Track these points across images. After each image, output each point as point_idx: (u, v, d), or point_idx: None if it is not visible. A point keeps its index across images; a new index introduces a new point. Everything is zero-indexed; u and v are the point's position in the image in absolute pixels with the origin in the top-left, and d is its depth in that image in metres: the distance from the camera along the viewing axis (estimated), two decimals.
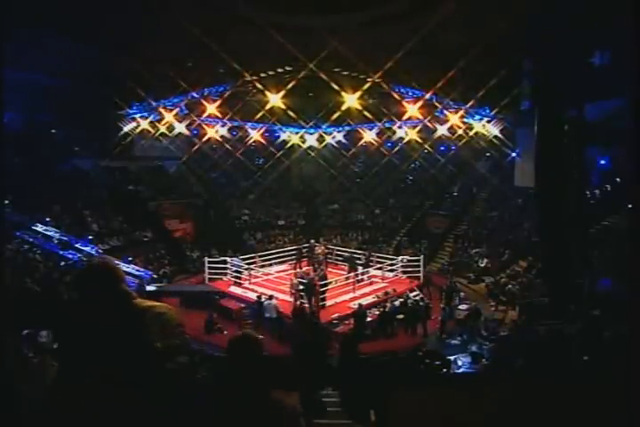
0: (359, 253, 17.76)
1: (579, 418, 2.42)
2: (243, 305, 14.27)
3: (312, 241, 18.61)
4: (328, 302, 13.95)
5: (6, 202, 14.71)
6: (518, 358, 6.11)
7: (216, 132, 17.99)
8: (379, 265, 16.96)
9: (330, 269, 17.97)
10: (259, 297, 13.29)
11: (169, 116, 15.58)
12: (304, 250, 18.49)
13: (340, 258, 18.44)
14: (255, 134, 18.72)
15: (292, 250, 19.05)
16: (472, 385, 3.06)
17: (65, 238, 15.78)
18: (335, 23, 12.41)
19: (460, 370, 6.64)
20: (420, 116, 15.51)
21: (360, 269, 16.35)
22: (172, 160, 22.62)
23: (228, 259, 17.05)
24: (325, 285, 14.27)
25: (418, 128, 17.67)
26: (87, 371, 1.97)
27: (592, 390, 2.53)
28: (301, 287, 13.82)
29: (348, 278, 15.82)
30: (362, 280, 15.94)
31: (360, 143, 20.69)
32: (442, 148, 21.69)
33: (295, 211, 25.21)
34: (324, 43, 11.47)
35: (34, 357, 3.49)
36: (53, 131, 20.41)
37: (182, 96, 14.79)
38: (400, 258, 17.68)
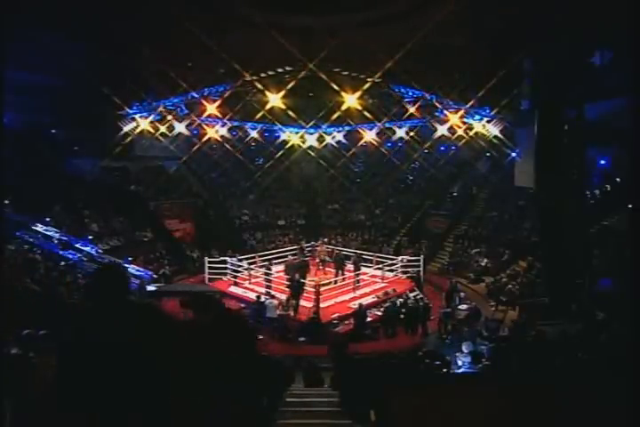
0: (356, 253, 17.79)
1: (578, 418, 2.42)
2: (243, 305, 14.28)
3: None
4: (328, 303, 13.92)
5: (6, 202, 14.72)
6: (518, 358, 6.10)
7: (216, 132, 17.97)
8: (378, 265, 16.97)
9: (330, 269, 18.03)
10: (258, 297, 13.30)
11: (169, 117, 15.57)
12: (307, 249, 18.54)
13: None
14: (255, 134, 18.70)
15: (292, 250, 19.05)
16: (472, 385, 3.06)
17: (65, 238, 15.78)
18: (335, 23, 12.42)
19: (460, 370, 6.63)
20: (420, 116, 15.51)
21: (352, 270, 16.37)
22: (171, 160, 22.61)
23: (228, 259, 17.05)
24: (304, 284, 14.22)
25: (418, 128, 17.66)
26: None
27: (591, 389, 2.53)
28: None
29: (341, 280, 15.87)
30: (358, 282, 15.81)
31: (360, 143, 20.67)
32: (442, 148, 21.68)
33: (295, 211, 25.22)
34: (324, 43, 11.47)
35: (34, 357, 3.49)
36: (53, 131, 20.41)
37: (182, 96, 14.78)
38: (400, 258, 17.69)
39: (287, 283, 14.14)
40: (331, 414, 5.67)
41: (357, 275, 15.86)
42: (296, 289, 13.37)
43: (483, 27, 12.83)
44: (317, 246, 18.30)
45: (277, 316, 12.67)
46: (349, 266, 17.01)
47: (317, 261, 17.89)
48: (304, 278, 14.77)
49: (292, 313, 12.96)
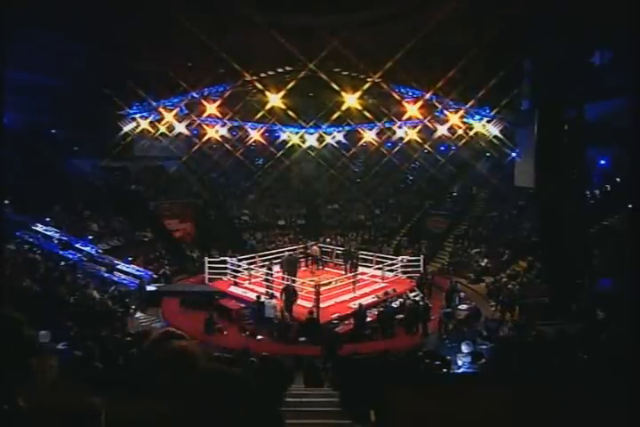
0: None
1: (578, 418, 2.41)
2: (243, 305, 14.28)
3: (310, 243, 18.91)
4: (328, 303, 13.92)
5: (6, 202, 14.73)
6: (518, 358, 6.11)
7: (216, 132, 17.98)
8: (378, 265, 16.97)
9: (329, 269, 18.08)
10: (258, 297, 13.30)
11: (169, 116, 15.58)
12: (309, 248, 18.65)
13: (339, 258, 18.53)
14: (255, 134, 18.72)
15: (292, 250, 19.04)
16: (472, 385, 3.06)
17: (65, 238, 15.78)
18: (335, 23, 12.42)
19: (460, 370, 6.63)
20: (420, 116, 15.51)
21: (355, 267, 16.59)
22: (171, 160, 22.64)
23: (228, 259, 17.05)
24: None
25: (418, 128, 17.67)
26: None
27: (591, 389, 2.53)
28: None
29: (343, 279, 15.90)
30: (357, 281, 15.82)
31: (360, 143, 20.69)
32: (442, 148, 21.69)
33: (295, 211, 25.23)
34: (324, 43, 11.47)
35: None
36: (53, 131, 20.42)
37: (182, 96, 14.78)
38: (400, 258, 17.70)
39: (284, 283, 14.17)
40: (331, 414, 5.67)
41: (355, 275, 15.93)
42: (288, 296, 13.15)
43: (483, 26, 12.82)
44: (313, 246, 18.40)
45: (275, 320, 12.70)
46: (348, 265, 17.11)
47: (311, 260, 18.00)
48: (295, 273, 15.47)
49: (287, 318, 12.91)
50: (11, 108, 14.71)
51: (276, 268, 16.28)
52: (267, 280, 15.29)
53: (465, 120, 16.05)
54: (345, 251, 17.79)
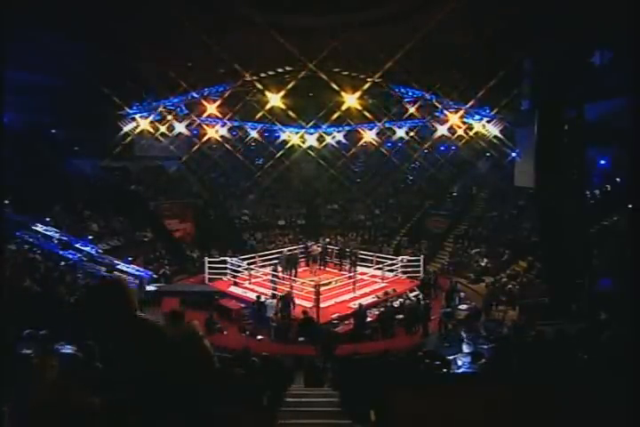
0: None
1: (578, 418, 2.42)
2: (243, 305, 14.28)
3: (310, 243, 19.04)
4: (328, 302, 13.91)
5: (6, 202, 14.72)
6: (518, 358, 6.10)
7: (216, 132, 17.97)
8: (378, 265, 16.98)
9: (330, 269, 18.09)
10: (258, 297, 13.29)
11: (169, 117, 15.59)
12: (309, 248, 18.68)
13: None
14: (255, 134, 18.71)
15: (293, 249, 19.05)
16: (472, 385, 3.06)
17: (65, 238, 15.77)
18: (335, 23, 12.42)
19: (460, 370, 6.62)
20: (420, 117, 15.51)
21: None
22: (171, 160, 22.65)
23: (228, 259, 17.05)
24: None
25: (418, 128, 17.66)
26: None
27: (591, 389, 2.53)
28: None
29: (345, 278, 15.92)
30: (357, 280, 15.82)
31: (360, 143, 20.70)
32: (442, 148, 21.68)
33: (295, 211, 25.23)
34: (324, 43, 11.47)
35: (34, 357, 3.48)
36: (53, 131, 20.42)
37: (182, 96, 14.79)
38: (400, 258, 17.70)
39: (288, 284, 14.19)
40: (331, 414, 5.67)
41: (354, 275, 15.95)
42: (285, 305, 12.96)
43: (483, 26, 12.82)
44: (313, 245, 18.42)
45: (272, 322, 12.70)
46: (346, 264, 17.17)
47: (312, 260, 18.03)
48: (295, 270, 16.11)
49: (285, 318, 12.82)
50: (11, 108, 14.70)
51: (280, 267, 16.29)
52: (272, 282, 15.24)
53: (465, 120, 16.04)
54: (340, 251, 17.84)
